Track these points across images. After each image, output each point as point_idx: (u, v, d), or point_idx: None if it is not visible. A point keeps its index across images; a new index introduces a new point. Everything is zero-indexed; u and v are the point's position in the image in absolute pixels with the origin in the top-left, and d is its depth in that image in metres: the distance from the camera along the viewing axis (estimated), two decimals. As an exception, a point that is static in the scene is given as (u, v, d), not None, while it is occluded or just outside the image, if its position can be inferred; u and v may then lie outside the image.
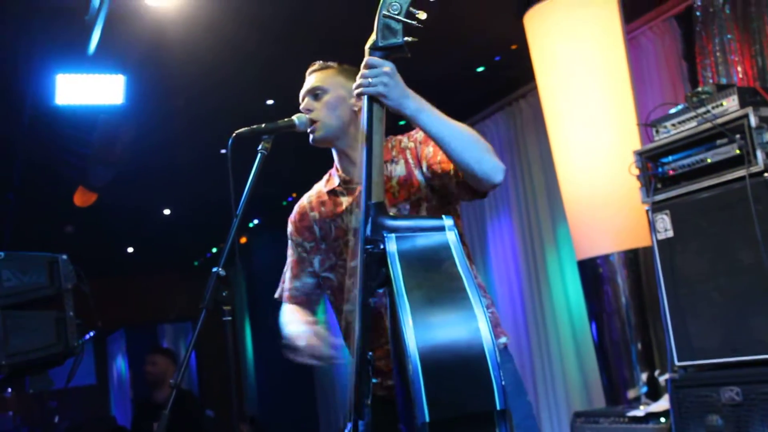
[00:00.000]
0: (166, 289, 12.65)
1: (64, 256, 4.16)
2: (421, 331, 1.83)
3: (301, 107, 2.64)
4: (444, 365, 1.81)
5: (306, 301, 2.80)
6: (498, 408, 1.80)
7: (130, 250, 11.77)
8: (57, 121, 5.63)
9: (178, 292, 12.18)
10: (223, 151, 2.40)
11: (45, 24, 4.66)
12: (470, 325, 1.84)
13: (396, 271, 1.96)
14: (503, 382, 1.80)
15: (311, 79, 2.66)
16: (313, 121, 2.58)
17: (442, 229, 2.06)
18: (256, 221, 11.08)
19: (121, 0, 4.32)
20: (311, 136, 2.60)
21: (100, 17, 4.41)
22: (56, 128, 5.82)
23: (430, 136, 2.30)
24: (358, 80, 2.19)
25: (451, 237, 2.05)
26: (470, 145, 2.28)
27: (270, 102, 6.33)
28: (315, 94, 2.61)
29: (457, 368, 1.81)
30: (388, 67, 2.16)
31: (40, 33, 4.75)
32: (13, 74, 5.27)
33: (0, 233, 8.62)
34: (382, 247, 2.05)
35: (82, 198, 6.45)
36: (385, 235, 2.06)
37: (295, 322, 2.67)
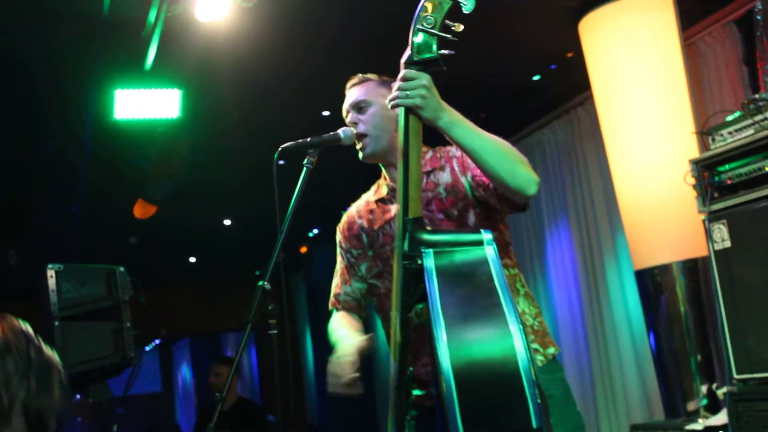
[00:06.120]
0: (229, 298, 12.77)
1: (122, 268, 4.23)
2: (455, 349, 1.80)
3: (347, 121, 2.64)
4: (478, 383, 1.78)
5: (356, 306, 2.80)
6: (534, 426, 1.78)
7: (192, 260, 11.94)
8: (117, 136, 5.74)
9: (240, 301, 12.29)
10: (282, 162, 2.40)
11: (104, 41, 4.77)
12: (505, 342, 1.81)
13: (433, 287, 1.93)
14: (539, 400, 1.77)
15: (353, 93, 2.65)
16: (361, 136, 2.58)
17: (480, 243, 2.03)
18: (315, 231, 11.14)
19: (175, 16, 4.39)
20: (361, 153, 2.60)
21: (156, 33, 4.50)
22: (116, 142, 5.94)
23: (463, 148, 2.28)
24: (394, 92, 2.16)
25: (489, 251, 2.01)
26: (503, 158, 2.26)
27: (326, 113, 6.36)
28: (359, 107, 2.61)
29: (492, 386, 1.78)
30: (425, 79, 2.14)
31: (99, 50, 4.87)
32: (74, 91, 5.41)
33: (65, 246, 8.82)
34: (419, 262, 2.02)
35: (141, 210, 6.56)
36: (422, 250, 2.03)
37: (342, 330, 2.66)
